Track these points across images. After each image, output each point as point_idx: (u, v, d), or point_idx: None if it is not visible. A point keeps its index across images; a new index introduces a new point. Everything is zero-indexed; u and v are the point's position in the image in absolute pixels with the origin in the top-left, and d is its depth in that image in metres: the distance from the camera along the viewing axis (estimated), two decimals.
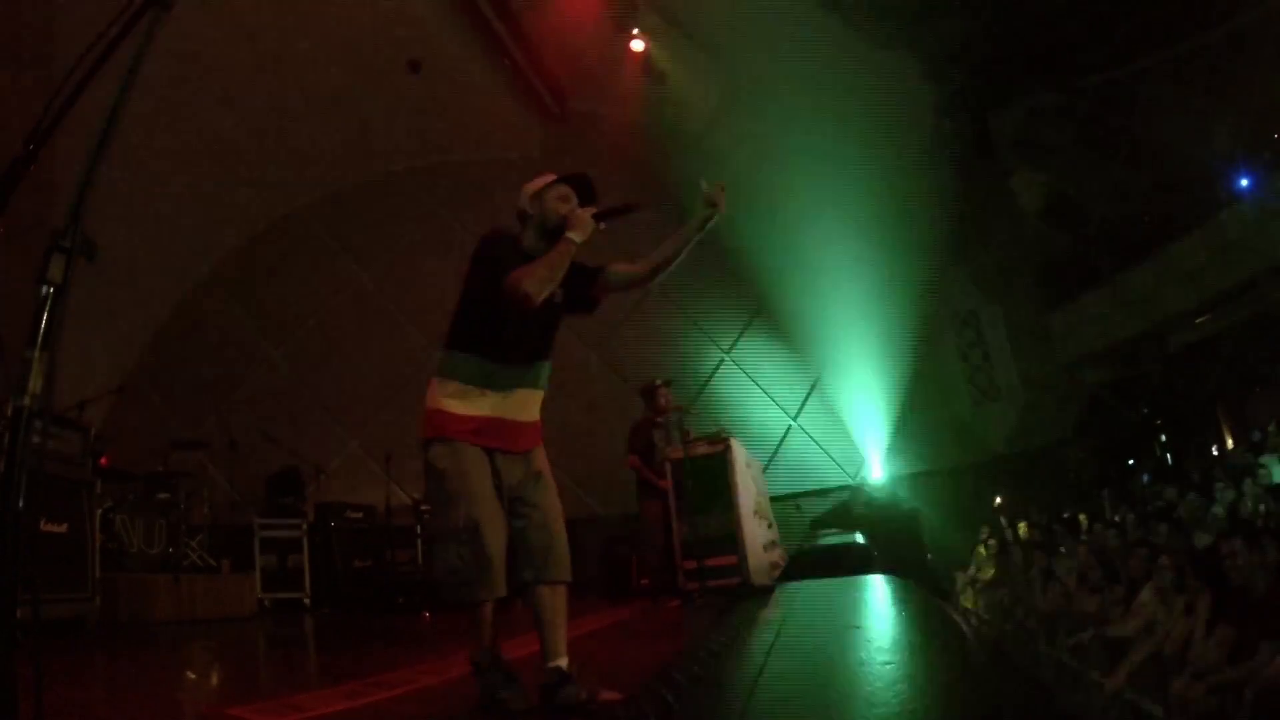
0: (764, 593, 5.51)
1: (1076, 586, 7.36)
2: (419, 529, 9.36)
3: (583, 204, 2.70)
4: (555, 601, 2.49)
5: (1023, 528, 10.02)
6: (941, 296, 12.78)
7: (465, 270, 2.65)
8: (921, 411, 12.02)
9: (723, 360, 11.88)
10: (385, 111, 11.42)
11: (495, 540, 2.44)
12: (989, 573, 9.68)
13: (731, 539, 5.97)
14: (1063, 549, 8.48)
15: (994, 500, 11.87)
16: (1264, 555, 4.71)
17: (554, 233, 2.63)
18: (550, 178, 2.77)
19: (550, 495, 2.62)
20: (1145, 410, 12.15)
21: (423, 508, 8.71)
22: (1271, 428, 8.89)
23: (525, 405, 2.66)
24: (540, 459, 2.67)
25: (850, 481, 11.29)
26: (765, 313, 12.02)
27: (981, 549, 10.16)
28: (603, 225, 2.66)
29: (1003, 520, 10.59)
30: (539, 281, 2.46)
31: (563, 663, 2.43)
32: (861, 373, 12.20)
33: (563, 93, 11.98)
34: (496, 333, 2.56)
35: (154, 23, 1.70)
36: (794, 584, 5.92)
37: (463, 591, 2.45)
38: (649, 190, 11.89)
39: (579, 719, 2.29)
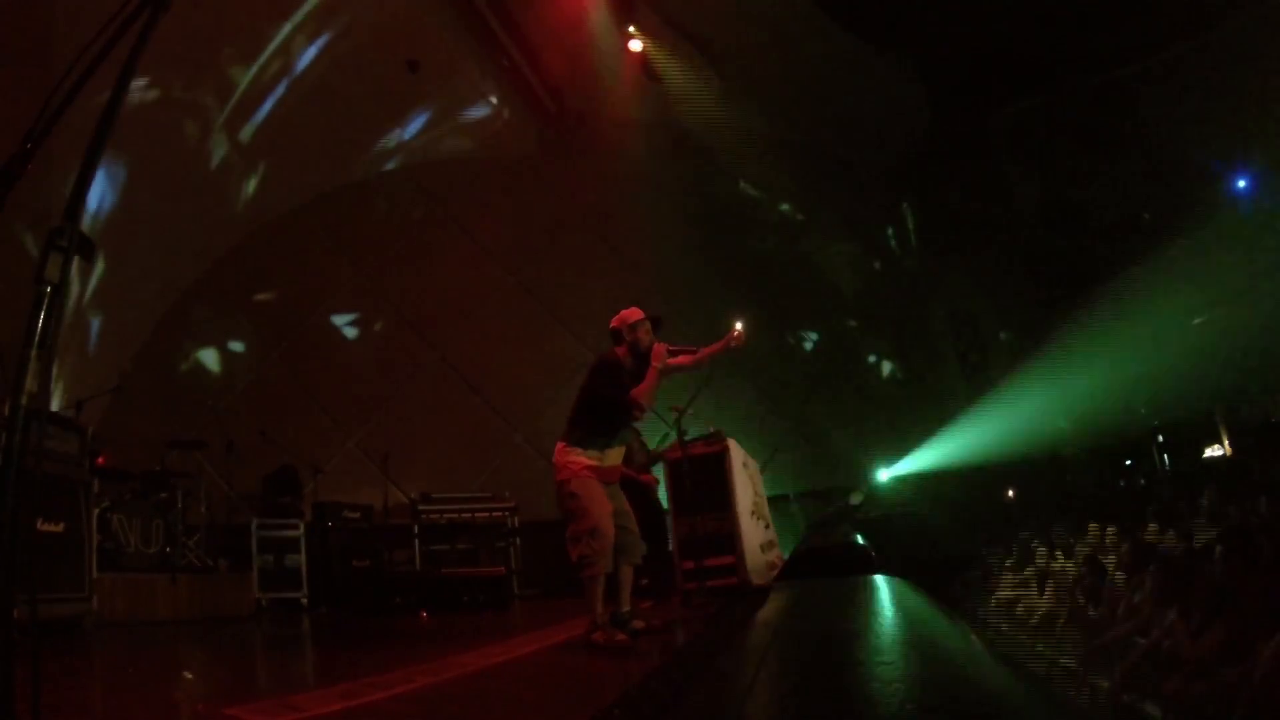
0: (761, 593, 5.52)
1: (1074, 586, 7.37)
2: (416, 529, 9.36)
3: (655, 334, 4.31)
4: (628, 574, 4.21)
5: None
6: (939, 296, 12.79)
7: (590, 377, 4.24)
8: (918, 411, 12.02)
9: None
10: (384, 111, 11.41)
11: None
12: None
13: (729, 539, 5.97)
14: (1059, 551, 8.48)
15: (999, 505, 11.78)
16: (1258, 556, 4.72)
17: (643, 355, 4.23)
18: (640, 314, 4.33)
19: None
20: (1142, 411, 12.17)
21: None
22: None
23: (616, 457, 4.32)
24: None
25: (848, 482, 11.27)
26: (762, 310, 11.99)
27: (1009, 575, 9.50)
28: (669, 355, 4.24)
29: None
30: (649, 399, 4.15)
31: (626, 607, 4.17)
32: (858, 372, 12.21)
33: (561, 92, 11.97)
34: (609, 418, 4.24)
35: (151, 22, 1.70)
36: (791, 584, 5.92)
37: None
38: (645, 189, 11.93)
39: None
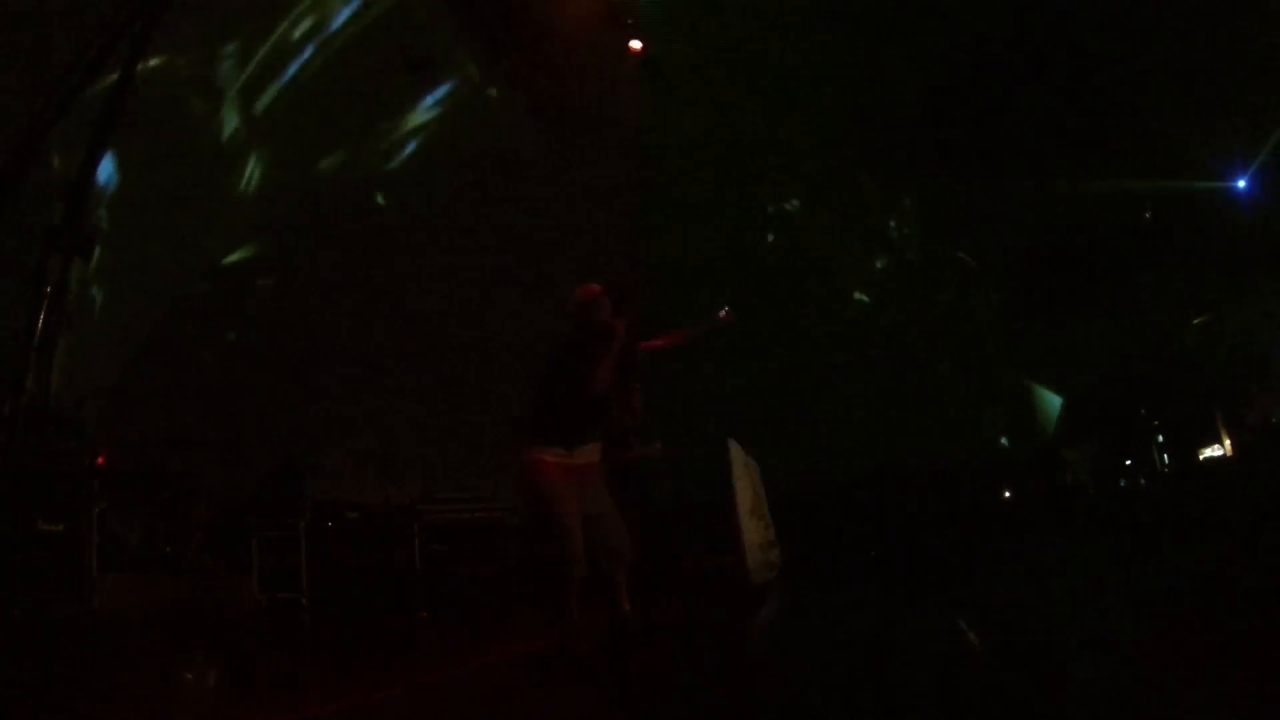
0: (761, 593, 5.53)
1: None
2: (416, 529, 9.34)
3: (616, 308, 3.77)
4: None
5: None
6: (940, 293, 12.79)
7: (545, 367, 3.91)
8: (918, 412, 12.02)
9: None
10: (383, 110, 11.39)
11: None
12: None
13: (730, 539, 5.98)
14: None
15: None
16: (1256, 555, 4.72)
17: (601, 335, 3.72)
18: (595, 291, 3.82)
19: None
20: (1143, 411, 12.17)
21: None
22: None
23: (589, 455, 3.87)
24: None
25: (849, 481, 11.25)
26: (763, 307, 11.99)
27: None
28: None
29: None
30: (598, 384, 3.65)
31: (626, 608, 3.88)
32: (857, 372, 12.19)
33: (560, 92, 11.96)
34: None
35: (151, 22, 1.71)
36: (791, 584, 5.93)
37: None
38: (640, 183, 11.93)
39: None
